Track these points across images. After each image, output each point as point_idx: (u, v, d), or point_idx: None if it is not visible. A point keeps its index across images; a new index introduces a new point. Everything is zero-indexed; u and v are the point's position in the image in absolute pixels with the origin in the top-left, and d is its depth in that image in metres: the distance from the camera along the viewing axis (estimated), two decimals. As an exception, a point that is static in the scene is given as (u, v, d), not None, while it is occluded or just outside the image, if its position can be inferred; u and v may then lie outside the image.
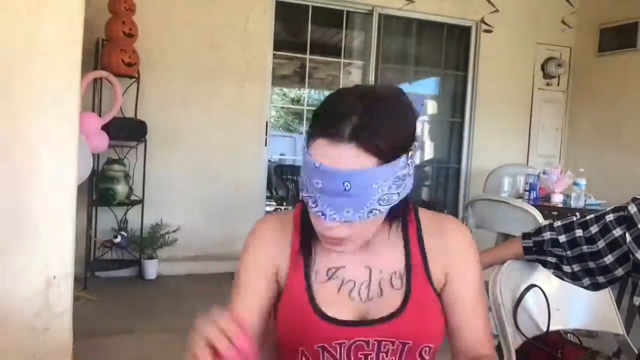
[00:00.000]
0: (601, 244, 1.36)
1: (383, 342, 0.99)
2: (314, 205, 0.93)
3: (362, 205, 0.90)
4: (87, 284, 4.15)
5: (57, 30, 2.54)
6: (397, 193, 0.93)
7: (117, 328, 3.40)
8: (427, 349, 1.01)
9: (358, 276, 1.03)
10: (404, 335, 0.99)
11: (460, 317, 1.04)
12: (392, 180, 0.91)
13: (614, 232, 1.33)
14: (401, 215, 1.04)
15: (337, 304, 1.01)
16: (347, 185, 0.88)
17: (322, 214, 0.92)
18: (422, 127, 6.46)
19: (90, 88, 4.23)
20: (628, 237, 1.30)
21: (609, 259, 1.35)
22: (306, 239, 1.05)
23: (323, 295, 1.02)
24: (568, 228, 1.44)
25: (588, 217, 1.42)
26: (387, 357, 0.99)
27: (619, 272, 1.36)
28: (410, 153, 0.94)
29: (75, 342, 2.76)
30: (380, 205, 0.92)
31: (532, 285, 1.49)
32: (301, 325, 1.00)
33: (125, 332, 3.35)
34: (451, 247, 1.06)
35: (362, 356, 0.99)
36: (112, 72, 4.10)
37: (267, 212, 5.66)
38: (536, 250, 1.48)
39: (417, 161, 6.47)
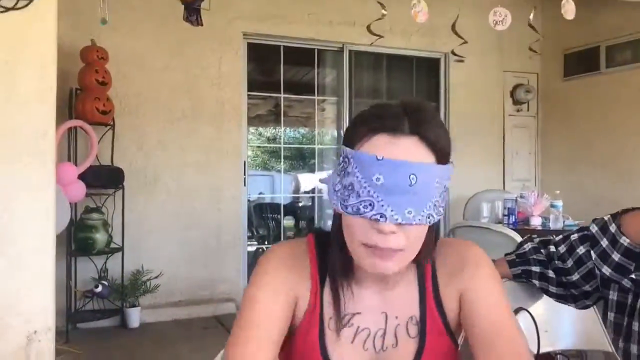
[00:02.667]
0: (569, 262, 1.43)
1: None
2: (368, 209, 0.83)
3: (423, 206, 0.83)
4: (68, 337, 4.05)
5: (31, 79, 2.55)
6: (442, 207, 0.87)
7: (101, 381, 3.31)
8: None
9: (373, 324, 0.95)
10: None
11: (481, 343, 0.91)
12: (443, 188, 0.86)
13: (577, 250, 1.41)
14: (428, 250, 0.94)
15: (349, 357, 0.94)
16: (412, 179, 0.81)
17: (382, 216, 0.82)
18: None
19: (65, 137, 4.20)
20: (593, 255, 1.38)
21: (575, 276, 1.42)
22: (330, 277, 0.95)
23: (336, 346, 0.94)
24: (545, 243, 1.52)
25: (558, 238, 1.50)
26: None
27: (587, 288, 1.43)
28: (451, 165, 0.89)
29: (59, 398, 2.68)
30: (435, 212, 0.85)
31: (520, 309, 1.50)
32: None
33: (110, 385, 3.26)
34: (460, 270, 0.96)
35: None
36: (86, 120, 4.09)
37: (249, 252, 5.62)
38: (519, 261, 1.52)
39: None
